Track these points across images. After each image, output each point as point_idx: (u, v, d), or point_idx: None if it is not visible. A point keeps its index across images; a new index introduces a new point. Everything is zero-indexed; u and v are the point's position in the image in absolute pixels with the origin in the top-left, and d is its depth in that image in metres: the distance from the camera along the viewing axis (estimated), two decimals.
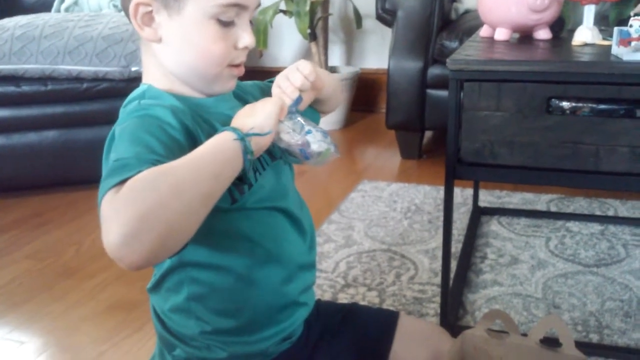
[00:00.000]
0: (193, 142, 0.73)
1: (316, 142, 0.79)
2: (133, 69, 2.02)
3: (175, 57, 0.78)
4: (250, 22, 0.81)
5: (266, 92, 0.89)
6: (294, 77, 0.82)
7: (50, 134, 2.11)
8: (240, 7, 0.77)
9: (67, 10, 2.59)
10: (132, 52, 2.03)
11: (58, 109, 2.10)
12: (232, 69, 0.80)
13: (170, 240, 0.61)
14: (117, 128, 0.73)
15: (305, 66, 0.82)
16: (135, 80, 2.01)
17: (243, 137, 0.71)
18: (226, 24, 0.77)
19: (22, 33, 2.06)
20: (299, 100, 0.82)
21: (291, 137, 0.79)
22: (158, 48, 0.78)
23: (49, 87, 2.05)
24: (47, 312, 1.44)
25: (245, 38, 0.79)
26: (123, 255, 0.59)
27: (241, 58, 0.81)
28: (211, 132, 0.75)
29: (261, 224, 0.83)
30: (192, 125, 0.74)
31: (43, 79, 2.04)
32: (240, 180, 0.73)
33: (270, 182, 0.84)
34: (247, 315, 0.84)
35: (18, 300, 1.50)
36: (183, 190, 0.63)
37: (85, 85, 2.05)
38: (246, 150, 0.71)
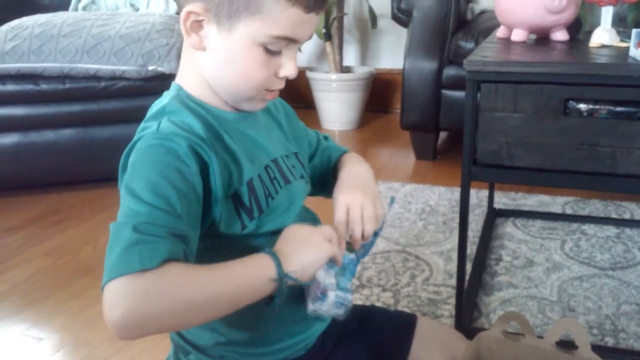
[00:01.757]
0: (206, 174, 0.74)
1: (326, 306, 0.79)
2: (150, 68, 2.03)
3: (214, 69, 0.78)
4: (299, 49, 0.80)
5: (290, 118, 0.93)
6: (357, 229, 0.83)
7: (67, 132, 2.13)
8: (291, 40, 0.76)
9: (84, 9, 2.61)
10: (150, 51, 2.04)
11: (76, 107, 2.12)
12: (267, 93, 0.80)
13: (168, 331, 0.68)
14: (133, 156, 0.72)
15: (371, 222, 0.83)
16: (152, 79, 2.03)
17: (282, 278, 0.71)
18: (272, 53, 0.76)
19: (41, 32, 2.09)
20: (355, 262, 0.83)
21: (314, 283, 0.79)
22: (200, 55, 0.78)
23: (67, 85, 2.07)
24: (65, 309, 1.46)
25: (289, 68, 0.77)
26: (119, 333, 0.63)
27: (279, 85, 0.80)
28: (221, 152, 0.75)
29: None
30: (206, 156, 0.73)
31: (61, 77, 2.06)
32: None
33: (283, 205, 0.83)
34: (262, 328, 0.83)
35: (36, 297, 1.51)
36: (199, 308, 0.67)
37: (102, 83, 2.07)
38: (280, 291, 0.72)
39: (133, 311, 0.62)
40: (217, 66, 0.77)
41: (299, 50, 0.80)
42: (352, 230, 0.83)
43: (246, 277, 0.71)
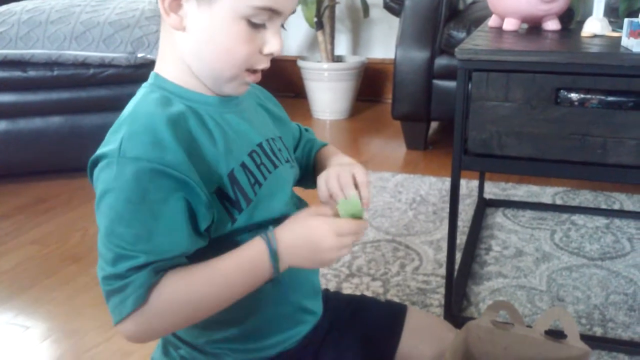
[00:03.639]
0: (196, 153, 0.73)
1: None
2: (139, 55, 2.02)
3: (195, 49, 0.75)
4: (282, 26, 0.77)
5: (275, 105, 0.92)
6: (349, 193, 0.80)
7: (56, 120, 2.11)
8: (275, 12, 0.73)
9: None
10: (139, 38, 2.02)
11: (64, 95, 2.10)
12: (249, 74, 0.77)
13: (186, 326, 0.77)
14: (102, 184, 0.71)
15: (366, 187, 0.82)
16: (141, 66, 2.01)
17: (277, 271, 0.74)
18: (256, 26, 0.73)
19: (29, 17, 2.06)
20: None
21: None
22: (180, 37, 0.75)
23: (55, 72, 2.05)
24: (52, 297, 1.45)
25: (273, 44, 0.75)
26: (131, 340, 0.73)
27: (263, 64, 0.76)
28: (194, 153, 0.73)
29: None
30: (176, 172, 0.70)
31: (49, 64, 2.04)
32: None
33: (273, 191, 0.81)
34: (252, 323, 0.82)
35: (23, 285, 1.50)
36: (205, 307, 0.74)
37: (91, 71, 2.05)
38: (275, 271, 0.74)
39: (146, 335, 0.73)
40: (198, 46, 0.74)
41: (283, 27, 0.78)
42: (345, 195, 0.79)
43: (242, 274, 0.73)
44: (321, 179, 0.83)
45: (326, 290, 0.99)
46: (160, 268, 0.70)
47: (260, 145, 0.82)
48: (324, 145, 0.98)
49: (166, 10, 0.73)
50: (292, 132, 0.95)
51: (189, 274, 0.72)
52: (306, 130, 0.99)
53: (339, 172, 0.82)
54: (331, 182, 0.81)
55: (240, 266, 0.73)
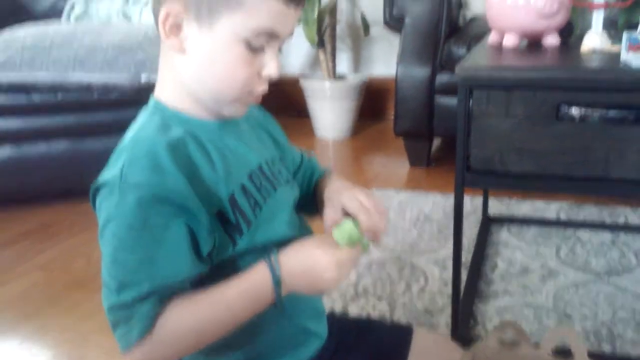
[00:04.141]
0: (196, 178, 0.73)
1: None
2: (143, 77, 2.02)
3: (195, 71, 0.76)
4: (280, 50, 0.78)
5: (275, 127, 0.93)
6: (377, 218, 0.81)
7: (60, 144, 2.12)
8: (273, 35, 0.74)
9: (77, 19, 2.61)
10: (142, 60, 2.03)
11: (68, 119, 2.10)
12: (249, 96, 0.78)
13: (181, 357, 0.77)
14: (104, 212, 0.72)
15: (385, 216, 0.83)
16: (145, 89, 2.02)
17: (280, 299, 0.74)
18: (255, 50, 0.74)
19: (33, 43, 2.08)
20: None
21: None
22: (179, 60, 0.76)
23: (60, 97, 2.05)
24: (58, 324, 1.44)
25: (271, 67, 0.76)
26: None
27: (261, 87, 0.78)
28: (204, 158, 0.75)
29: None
30: (178, 198, 0.71)
31: (53, 88, 2.05)
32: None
33: (274, 213, 0.81)
34: (256, 347, 0.82)
35: (28, 312, 1.50)
36: (210, 333, 0.74)
37: (95, 95, 2.05)
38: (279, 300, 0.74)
39: (146, 356, 0.73)
40: (198, 68, 0.75)
41: (280, 51, 0.79)
42: (373, 221, 0.80)
43: (246, 301, 0.74)
44: (327, 209, 0.84)
45: (332, 313, 0.98)
46: (165, 296, 0.71)
47: (259, 167, 0.82)
48: (325, 171, 0.98)
49: (166, 33, 0.74)
50: (292, 155, 0.95)
51: (193, 302, 0.72)
52: (309, 157, 0.99)
53: (357, 195, 0.83)
54: (352, 206, 0.83)
55: (244, 293, 0.73)
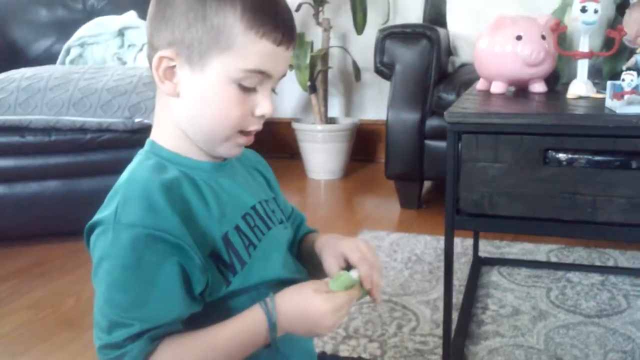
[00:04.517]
0: (190, 218, 0.74)
1: None
2: (137, 120, 2.05)
3: (189, 113, 0.77)
4: (273, 91, 0.79)
5: (268, 170, 0.94)
6: (377, 276, 0.83)
7: (52, 184, 2.13)
8: (265, 75, 0.76)
9: (72, 62, 2.64)
10: (136, 104, 2.06)
11: (61, 160, 2.12)
12: (242, 136, 0.79)
13: None
14: (98, 251, 0.72)
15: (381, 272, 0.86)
16: (138, 131, 2.04)
17: (275, 342, 0.75)
18: (247, 90, 0.76)
19: (28, 85, 2.10)
20: None
21: None
22: (174, 103, 0.78)
23: (53, 137, 2.07)
24: None
25: (265, 106, 0.77)
26: None
27: (255, 126, 0.79)
28: (198, 198, 0.76)
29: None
30: (171, 237, 0.72)
31: (47, 129, 2.07)
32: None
33: (267, 253, 0.82)
34: None
35: (17, 351, 1.48)
36: None
37: (89, 136, 2.07)
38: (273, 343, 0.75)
39: None
40: (192, 110, 0.77)
41: (274, 92, 0.81)
42: (374, 275, 0.82)
43: (239, 343, 0.74)
44: (328, 257, 0.86)
45: (323, 354, 0.99)
46: (156, 336, 0.71)
47: (254, 207, 0.84)
48: (313, 230, 0.99)
49: (160, 78, 0.77)
50: (284, 202, 0.96)
51: (185, 342, 0.72)
52: (300, 213, 1.01)
53: (340, 247, 0.84)
54: (356, 258, 0.83)
55: (238, 336, 0.74)
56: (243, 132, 0.79)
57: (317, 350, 0.96)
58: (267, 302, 0.74)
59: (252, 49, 0.74)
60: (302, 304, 0.75)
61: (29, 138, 2.07)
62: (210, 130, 0.78)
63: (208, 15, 0.73)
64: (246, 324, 0.74)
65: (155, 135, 0.82)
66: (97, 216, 0.75)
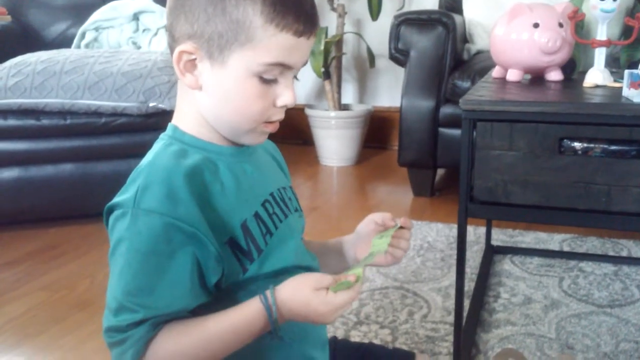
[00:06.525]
0: (209, 205, 0.75)
1: None
2: (151, 104, 2.05)
3: (212, 106, 0.77)
4: (295, 77, 0.79)
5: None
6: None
7: (67, 167, 2.15)
8: (286, 67, 0.76)
9: (87, 46, 2.65)
10: (151, 88, 2.07)
11: (76, 143, 2.14)
12: (267, 125, 0.79)
13: None
14: (116, 233, 0.73)
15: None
16: (152, 115, 2.05)
17: (275, 323, 0.74)
18: (268, 82, 0.76)
19: (44, 68, 2.12)
20: None
21: None
22: (198, 94, 0.78)
23: (68, 121, 2.09)
24: (60, 345, 1.45)
25: (287, 96, 0.77)
26: None
27: (278, 115, 0.79)
28: (207, 207, 0.75)
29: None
30: (188, 227, 0.72)
31: (62, 113, 2.08)
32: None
33: (283, 241, 0.82)
34: None
35: (31, 332, 1.51)
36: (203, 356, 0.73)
37: (103, 119, 2.09)
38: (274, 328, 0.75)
39: None
40: (215, 103, 0.77)
41: (296, 78, 0.80)
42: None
43: (239, 334, 0.74)
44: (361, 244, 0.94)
45: (334, 338, 0.99)
46: (159, 322, 0.72)
47: (272, 194, 0.84)
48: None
49: (181, 71, 0.76)
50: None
51: (186, 329, 0.73)
52: None
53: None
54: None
55: (236, 328, 0.74)
56: (267, 122, 0.79)
57: (329, 335, 0.97)
58: (267, 296, 0.74)
59: (272, 42, 0.73)
60: (301, 304, 0.74)
61: (45, 121, 2.08)
62: (234, 122, 0.78)
63: (227, 8, 0.72)
64: (245, 317, 0.74)
65: (177, 120, 0.81)
66: (117, 198, 0.75)
